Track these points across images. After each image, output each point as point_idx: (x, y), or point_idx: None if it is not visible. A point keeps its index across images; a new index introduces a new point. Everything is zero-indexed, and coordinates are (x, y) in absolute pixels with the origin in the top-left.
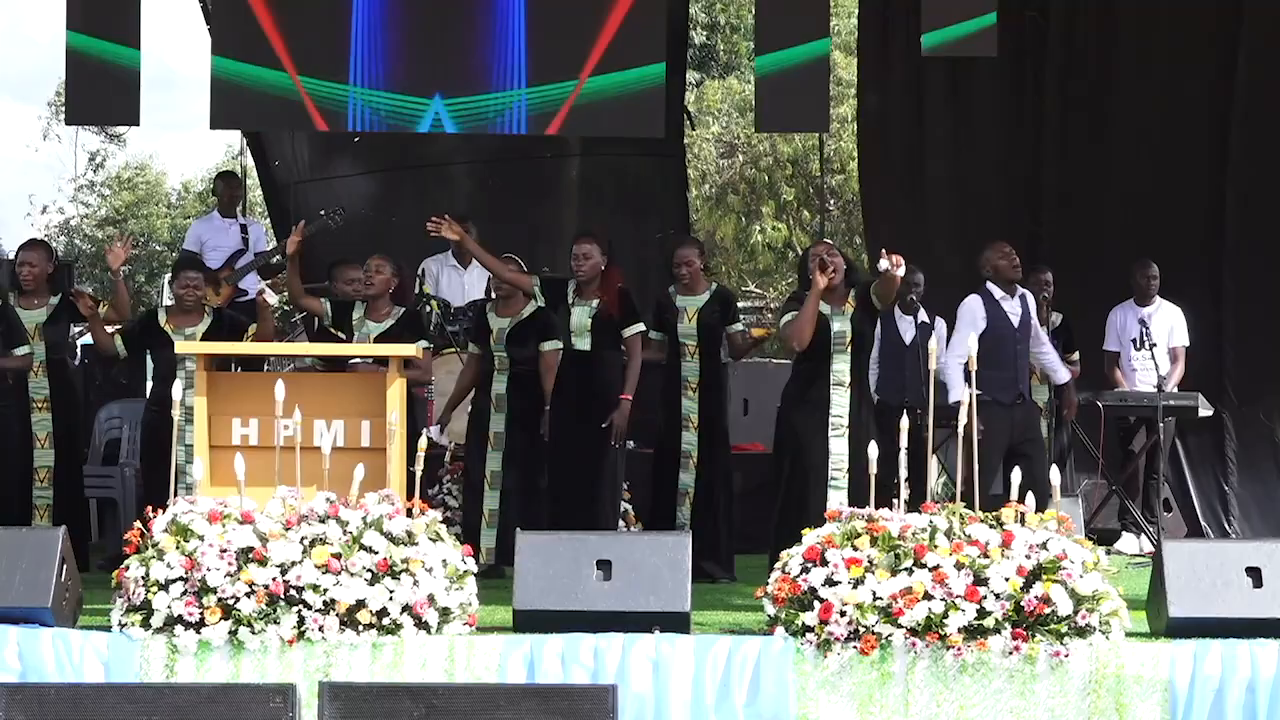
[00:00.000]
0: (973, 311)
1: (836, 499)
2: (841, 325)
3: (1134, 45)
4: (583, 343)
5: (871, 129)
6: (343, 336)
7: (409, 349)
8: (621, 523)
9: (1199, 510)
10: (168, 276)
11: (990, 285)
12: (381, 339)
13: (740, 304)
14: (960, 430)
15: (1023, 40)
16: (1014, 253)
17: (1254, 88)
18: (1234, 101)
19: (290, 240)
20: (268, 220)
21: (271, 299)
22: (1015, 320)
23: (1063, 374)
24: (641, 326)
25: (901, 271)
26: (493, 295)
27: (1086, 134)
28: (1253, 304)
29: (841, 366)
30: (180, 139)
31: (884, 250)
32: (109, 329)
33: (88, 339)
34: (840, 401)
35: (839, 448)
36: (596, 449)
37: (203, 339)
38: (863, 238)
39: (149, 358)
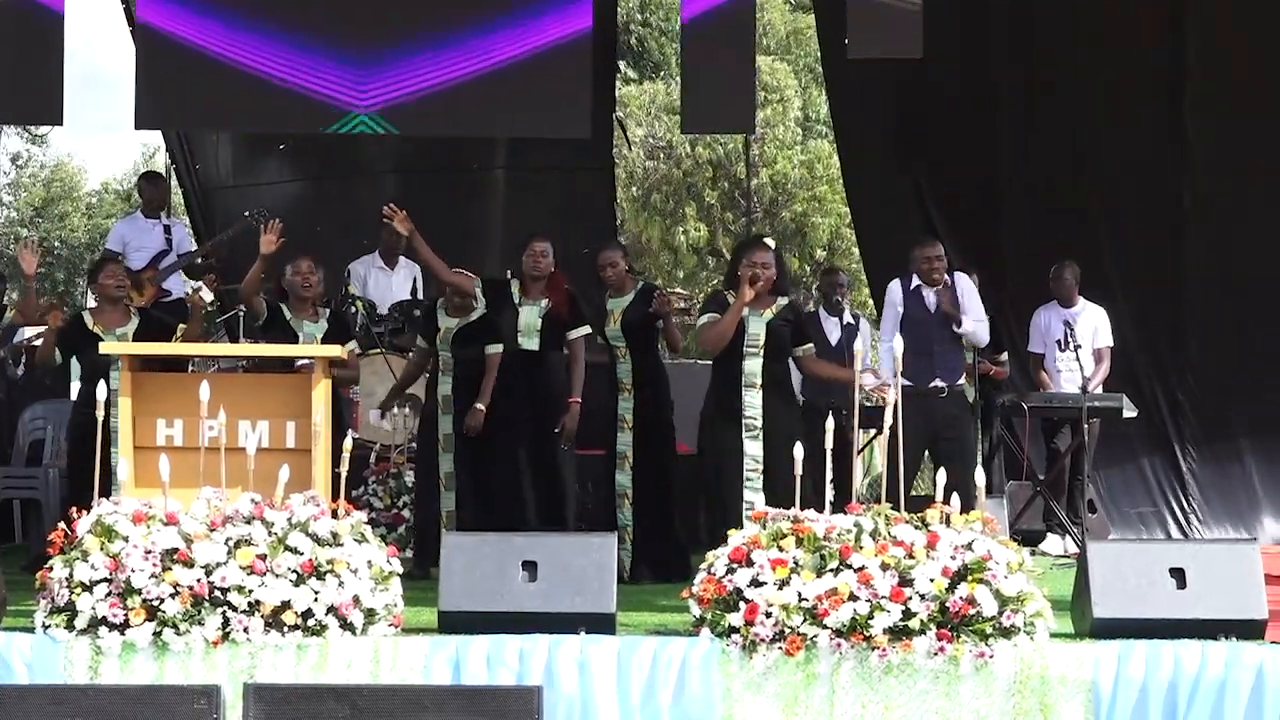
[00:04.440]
0: (891, 295)
1: (752, 499)
2: (756, 328)
3: (1086, 36)
4: (531, 342)
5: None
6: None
7: (341, 350)
8: None
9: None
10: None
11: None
12: (324, 340)
13: None
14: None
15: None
16: (937, 253)
17: (1205, 72)
18: (1185, 90)
19: (266, 239)
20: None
21: (207, 297)
22: (934, 308)
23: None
24: (587, 329)
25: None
26: (436, 296)
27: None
28: (1208, 288)
29: (753, 367)
30: (103, 140)
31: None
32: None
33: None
34: (752, 403)
35: (753, 449)
36: (546, 449)
37: (133, 340)
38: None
39: (75, 360)
